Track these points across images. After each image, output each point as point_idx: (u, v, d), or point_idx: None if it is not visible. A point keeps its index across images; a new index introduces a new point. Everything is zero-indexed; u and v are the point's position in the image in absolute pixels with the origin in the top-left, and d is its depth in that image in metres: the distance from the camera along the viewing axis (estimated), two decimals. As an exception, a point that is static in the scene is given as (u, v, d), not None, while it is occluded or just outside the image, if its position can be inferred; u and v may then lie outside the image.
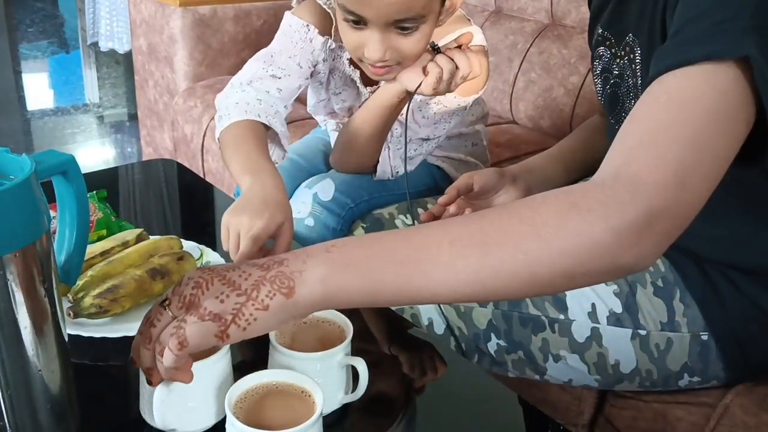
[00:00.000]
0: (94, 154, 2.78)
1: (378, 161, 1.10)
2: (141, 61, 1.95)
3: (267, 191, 0.80)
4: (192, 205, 1.14)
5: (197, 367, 0.58)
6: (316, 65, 1.06)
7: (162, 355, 0.54)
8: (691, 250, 0.86)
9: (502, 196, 0.96)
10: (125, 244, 0.84)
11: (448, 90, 0.94)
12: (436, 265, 0.55)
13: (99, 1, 3.06)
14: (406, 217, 1.05)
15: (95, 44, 3.16)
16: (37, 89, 3.66)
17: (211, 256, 0.88)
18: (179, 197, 1.16)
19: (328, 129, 1.22)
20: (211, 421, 0.64)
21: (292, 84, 1.03)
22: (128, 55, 2.93)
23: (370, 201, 1.10)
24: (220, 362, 0.63)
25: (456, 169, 1.23)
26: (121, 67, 3.61)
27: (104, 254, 0.82)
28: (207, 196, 1.15)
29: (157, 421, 0.61)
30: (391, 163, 1.10)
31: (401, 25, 0.89)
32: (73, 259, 0.65)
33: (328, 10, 1.03)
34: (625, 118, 0.69)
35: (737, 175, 0.64)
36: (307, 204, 1.09)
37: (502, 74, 1.70)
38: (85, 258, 0.68)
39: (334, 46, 1.05)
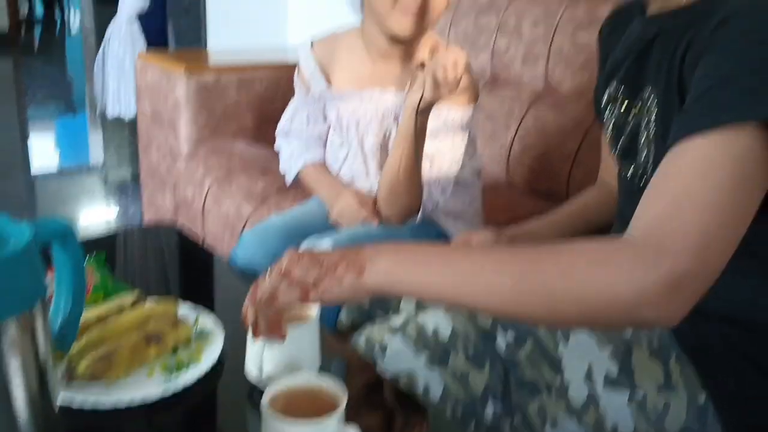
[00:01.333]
0: (97, 215, 2.80)
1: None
2: (145, 125, 1.99)
3: (352, 201, 1.21)
4: (190, 269, 1.14)
5: (290, 328, 0.74)
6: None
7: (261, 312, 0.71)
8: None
9: None
10: (121, 309, 0.84)
11: (449, 87, 1.03)
12: (478, 281, 0.66)
13: (108, 70, 3.15)
14: None
15: (103, 111, 3.24)
16: (43, 151, 3.72)
17: (207, 321, 0.88)
18: (177, 261, 1.17)
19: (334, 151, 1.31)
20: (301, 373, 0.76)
21: (314, 128, 1.33)
22: (133, 119, 2.99)
23: None
24: (309, 328, 0.78)
25: (453, 224, 1.25)
26: (125, 129, 3.67)
27: (100, 319, 0.82)
28: (205, 261, 1.15)
29: (255, 372, 0.77)
30: (432, 195, 1.19)
31: None
32: (68, 325, 0.65)
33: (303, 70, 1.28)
34: (642, 170, 0.71)
35: (747, 231, 0.65)
36: None
37: (498, 139, 1.73)
38: (81, 323, 0.69)
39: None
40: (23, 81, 5.19)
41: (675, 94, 0.76)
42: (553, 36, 1.66)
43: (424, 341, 0.82)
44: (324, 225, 1.24)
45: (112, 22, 3.15)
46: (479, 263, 0.67)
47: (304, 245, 1.14)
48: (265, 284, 0.71)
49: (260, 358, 0.76)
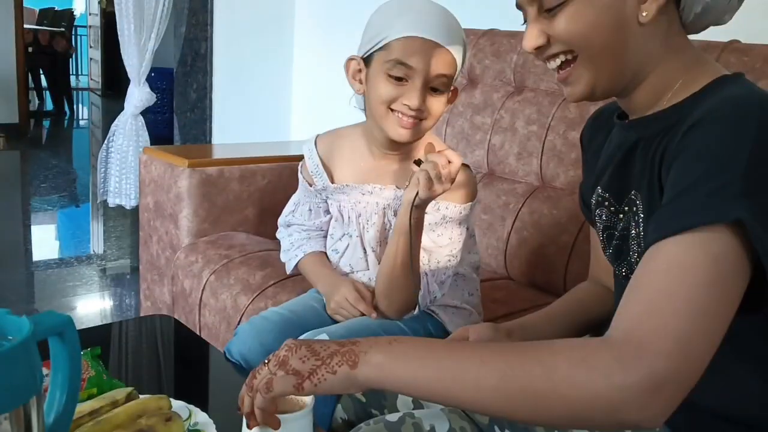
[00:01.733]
0: (94, 306, 2.79)
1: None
2: (147, 217, 2.02)
3: (349, 294, 1.22)
4: (185, 364, 1.14)
5: (284, 418, 0.76)
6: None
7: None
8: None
9: None
10: (114, 404, 0.84)
11: (443, 185, 1.06)
12: (465, 378, 0.67)
13: (111, 162, 3.23)
14: None
15: (104, 201, 3.30)
16: (44, 241, 3.74)
17: (200, 417, 0.87)
18: (173, 355, 1.17)
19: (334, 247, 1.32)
20: None
21: (315, 220, 1.36)
22: (135, 210, 3.03)
23: None
24: (304, 419, 0.79)
25: (451, 318, 1.25)
26: (128, 220, 3.71)
27: (93, 414, 0.81)
28: (201, 354, 1.15)
29: None
30: (429, 288, 1.19)
31: (436, 85, 1.12)
32: (61, 420, 0.65)
33: (307, 165, 1.31)
34: (634, 268, 0.72)
35: (735, 326, 0.66)
36: None
37: (495, 232, 1.75)
38: (74, 418, 0.68)
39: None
40: (29, 172, 5.28)
41: (657, 196, 0.78)
42: (546, 133, 1.72)
43: None
44: (321, 318, 1.24)
45: (118, 118, 3.25)
46: (467, 361, 0.68)
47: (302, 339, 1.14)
48: (262, 372, 0.73)
49: None
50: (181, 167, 1.85)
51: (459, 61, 1.13)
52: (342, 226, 1.28)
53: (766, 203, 0.66)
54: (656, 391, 0.61)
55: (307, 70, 2.84)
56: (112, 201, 3.25)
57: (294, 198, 1.40)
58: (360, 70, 1.18)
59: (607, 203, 0.90)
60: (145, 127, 3.19)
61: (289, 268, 1.39)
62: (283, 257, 1.40)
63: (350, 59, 1.20)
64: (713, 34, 1.49)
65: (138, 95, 3.12)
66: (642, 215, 0.83)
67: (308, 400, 0.81)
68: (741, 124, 0.69)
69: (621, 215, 0.88)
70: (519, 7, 0.86)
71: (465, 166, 1.19)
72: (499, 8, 2.06)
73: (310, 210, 1.34)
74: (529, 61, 1.80)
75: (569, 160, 1.68)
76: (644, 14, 0.77)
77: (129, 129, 3.16)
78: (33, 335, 0.59)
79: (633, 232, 0.85)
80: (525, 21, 0.86)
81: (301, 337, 1.14)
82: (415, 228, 1.12)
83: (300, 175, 1.36)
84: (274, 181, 1.95)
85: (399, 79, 1.11)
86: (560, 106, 1.71)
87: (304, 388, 0.71)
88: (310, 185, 1.32)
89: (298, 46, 2.86)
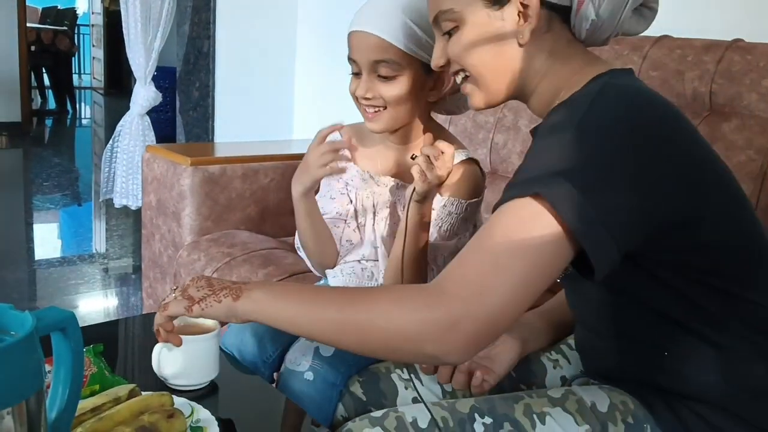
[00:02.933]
0: (97, 304, 2.79)
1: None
2: (149, 215, 2.02)
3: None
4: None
5: (188, 339, 0.95)
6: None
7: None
8: (657, 384, 0.87)
9: (499, 346, 1.00)
10: (117, 400, 0.84)
11: (437, 174, 1.08)
12: (316, 314, 0.80)
13: (117, 163, 3.22)
14: (403, 371, 1.05)
15: (109, 200, 3.29)
16: (46, 240, 3.74)
17: (202, 414, 0.87)
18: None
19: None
20: (193, 382, 0.99)
21: (336, 206, 1.30)
22: (138, 210, 3.03)
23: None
24: (206, 342, 0.98)
25: None
26: (130, 219, 3.71)
27: (95, 410, 0.81)
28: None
29: (156, 371, 0.98)
30: None
31: (382, 72, 1.13)
32: (63, 416, 0.65)
33: None
34: None
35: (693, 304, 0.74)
36: (308, 357, 1.09)
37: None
38: (76, 414, 0.68)
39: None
40: (31, 170, 5.29)
41: None
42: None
43: (402, 431, 0.83)
44: None
45: (123, 117, 3.24)
46: (321, 300, 0.81)
47: (301, 340, 1.13)
48: (168, 297, 0.89)
49: (158, 360, 0.97)
50: (183, 165, 1.85)
51: (397, 43, 1.11)
52: (356, 217, 1.27)
53: (598, 198, 0.73)
54: (452, 328, 0.71)
55: (309, 68, 2.84)
56: (118, 202, 3.24)
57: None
58: None
59: None
60: (152, 127, 3.18)
61: (305, 259, 1.33)
62: (303, 256, 1.34)
63: None
64: (717, 33, 1.49)
65: (144, 95, 3.11)
66: None
67: (214, 326, 0.99)
68: (573, 112, 0.78)
69: None
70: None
71: (472, 161, 1.19)
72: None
73: (332, 198, 1.29)
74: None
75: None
76: (520, 38, 0.87)
77: (135, 129, 3.15)
78: (36, 331, 0.59)
79: None
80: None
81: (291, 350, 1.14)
82: (419, 225, 1.12)
83: None
84: (277, 179, 1.95)
85: (356, 74, 1.17)
86: (563, 104, 1.71)
87: (193, 310, 0.85)
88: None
89: (301, 44, 2.86)
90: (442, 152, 1.07)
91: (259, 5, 2.77)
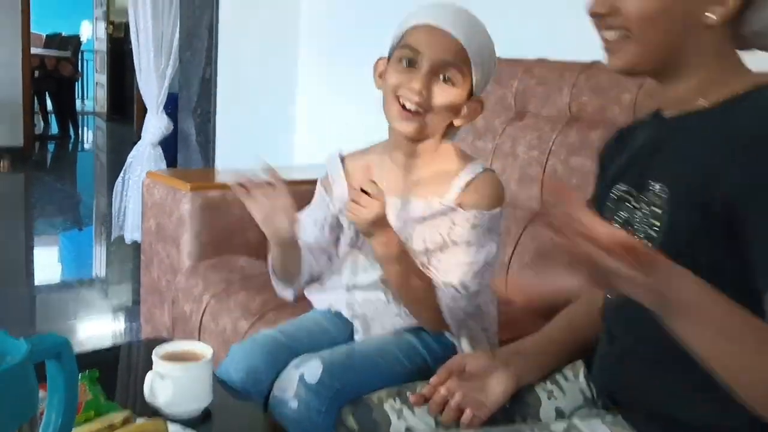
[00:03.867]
0: (95, 329, 2.78)
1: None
2: (148, 241, 2.02)
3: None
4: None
5: (180, 367, 0.98)
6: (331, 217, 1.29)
7: None
8: (667, 413, 0.85)
9: (494, 378, 0.98)
10: (111, 427, 0.83)
11: (364, 220, 1.09)
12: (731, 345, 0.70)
13: (129, 195, 3.19)
14: (395, 401, 1.05)
15: (121, 237, 3.24)
16: (47, 264, 3.74)
17: (198, 441, 0.86)
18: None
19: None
20: (186, 409, 0.99)
21: (319, 235, 1.30)
22: (139, 237, 3.02)
23: (359, 383, 1.09)
24: (199, 369, 1.00)
25: (469, 342, 1.24)
26: (130, 246, 3.72)
27: (89, 437, 0.81)
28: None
29: (149, 399, 0.98)
30: (453, 303, 1.18)
31: (445, 74, 1.13)
32: (56, 444, 0.64)
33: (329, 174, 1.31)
34: None
35: None
36: (293, 385, 1.09)
37: (521, 258, 1.74)
38: (69, 442, 0.68)
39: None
40: (33, 195, 5.31)
41: (686, 195, 0.81)
42: (547, 159, 1.72)
43: None
44: (315, 341, 1.23)
45: (135, 147, 3.20)
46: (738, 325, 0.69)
47: (293, 364, 1.13)
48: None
49: (150, 388, 0.97)
50: (183, 191, 1.86)
51: (471, 54, 1.13)
52: (353, 241, 1.26)
53: None
54: None
55: (311, 94, 2.86)
56: (129, 237, 3.17)
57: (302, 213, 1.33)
58: (384, 71, 1.20)
59: (627, 197, 0.91)
60: (163, 157, 3.13)
61: (278, 288, 1.32)
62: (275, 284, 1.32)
63: (379, 59, 1.23)
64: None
65: (156, 123, 3.05)
66: (657, 206, 0.84)
67: (208, 353, 1.00)
68: None
69: (640, 205, 0.89)
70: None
71: (489, 171, 1.22)
72: (500, 36, 2.09)
73: (315, 224, 1.28)
74: (530, 87, 1.82)
75: (571, 185, 1.68)
76: (709, 18, 0.80)
77: (147, 159, 3.09)
78: (30, 357, 0.59)
79: (650, 224, 0.86)
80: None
81: (293, 363, 1.13)
82: (385, 259, 1.14)
83: (318, 187, 1.33)
84: (276, 204, 1.95)
85: (408, 64, 1.13)
86: (561, 131, 1.71)
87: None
88: (327, 194, 1.30)
89: (302, 70, 2.88)
90: (370, 195, 1.07)
91: (262, 32, 2.80)
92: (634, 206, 0.90)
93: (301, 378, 1.09)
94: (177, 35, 2.93)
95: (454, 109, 1.16)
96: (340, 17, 2.70)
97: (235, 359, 1.18)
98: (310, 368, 1.10)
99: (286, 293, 1.32)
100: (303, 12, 2.84)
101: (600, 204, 0.98)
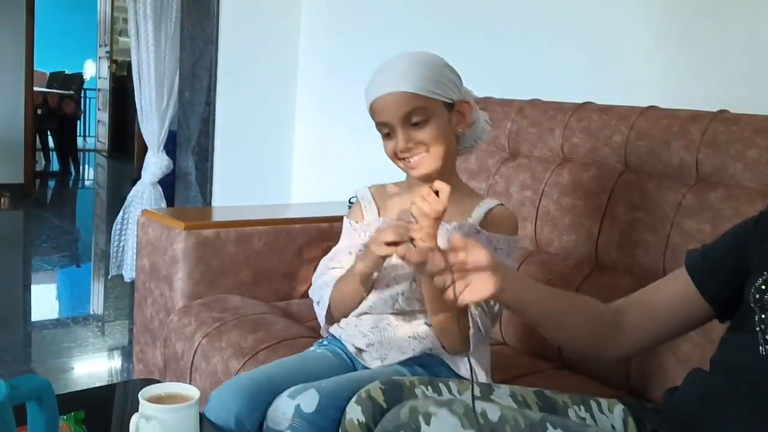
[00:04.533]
0: (89, 368, 2.76)
1: None
2: (143, 279, 2.02)
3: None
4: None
5: (166, 409, 0.96)
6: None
7: None
8: None
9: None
10: (94, 471, 0.82)
11: (436, 212, 1.11)
12: None
13: (128, 234, 3.18)
14: (427, 389, 1.04)
15: (120, 276, 3.24)
16: (43, 301, 3.73)
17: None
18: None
19: None
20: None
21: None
22: (136, 274, 3.01)
23: None
24: (185, 411, 0.99)
25: (472, 366, 1.25)
26: (129, 284, 3.71)
27: (70, 481, 0.80)
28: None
29: None
30: (480, 324, 1.22)
31: (413, 121, 1.22)
32: (33, 488, 0.64)
33: (360, 201, 1.39)
34: None
35: None
36: (288, 416, 1.08)
37: (491, 297, 1.75)
38: (47, 486, 0.67)
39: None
40: (31, 232, 5.31)
41: None
42: (540, 199, 1.73)
43: (470, 419, 0.82)
44: (296, 381, 1.22)
45: (135, 187, 3.21)
46: None
47: (288, 393, 1.12)
48: None
49: (135, 431, 0.95)
50: (177, 230, 1.86)
51: (419, 90, 1.21)
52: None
53: None
54: None
55: (308, 133, 2.89)
56: (128, 275, 3.16)
57: (334, 249, 1.39)
58: None
59: None
60: (163, 196, 3.13)
61: (322, 312, 1.34)
62: (320, 310, 1.36)
63: None
64: (702, 104, 1.53)
65: (156, 162, 3.04)
66: None
67: (195, 394, 0.98)
68: None
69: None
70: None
71: (503, 205, 1.33)
72: (493, 77, 2.12)
73: (350, 253, 1.34)
74: (523, 128, 1.83)
75: (563, 225, 1.68)
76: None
77: (147, 199, 3.09)
78: (8, 400, 0.59)
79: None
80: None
81: (288, 392, 1.11)
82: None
83: (346, 220, 1.39)
84: (270, 243, 1.96)
85: (388, 134, 1.26)
86: (554, 172, 1.73)
87: None
88: (357, 222, 1.36)
89: (300, 109, 2.91)
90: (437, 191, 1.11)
91: (260, 70, 2.84)
92: None
93: (297, 408, 1.08)
94: (178, 74, 2.97)
95: (445, 130, 1.25)
96: (338, 57, 2.74)
97: (215, 406, 1.17)
98: (306, 398, 1.09)
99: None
100: (301, 52, 2.88)
101: (741, 270, 0.98)
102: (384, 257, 1.18)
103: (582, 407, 1.05)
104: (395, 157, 1.26)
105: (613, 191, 1.59)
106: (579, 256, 1.65)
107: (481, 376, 1.26)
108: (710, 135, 1.45)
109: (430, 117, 1.23)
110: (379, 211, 1.37)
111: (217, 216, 2.20)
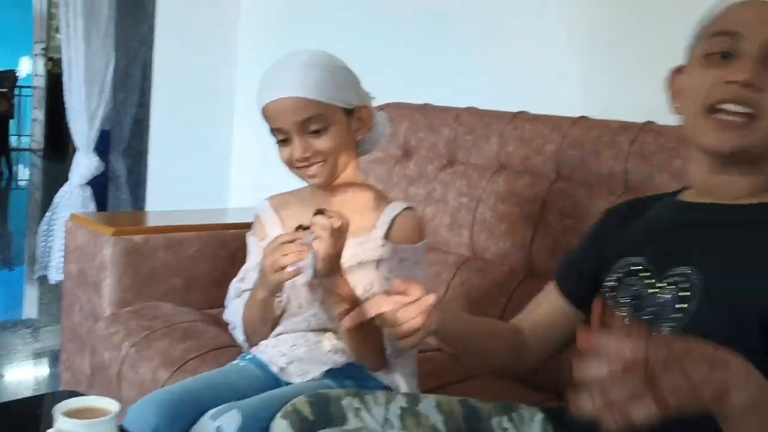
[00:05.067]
0: (19, 375, 2.67)
1: None
2: (70, 286, 1.96)
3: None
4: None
5: (81, 424, 0.89)
6: None
7: None
8: None
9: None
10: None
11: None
12: None
13: (54, 235, 3.08)
14: (354, 399, 1.02)
15: (44, 277, 3.14)
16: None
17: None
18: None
19: None
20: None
21: None
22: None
23: None
24: (102, 426, 0.92)
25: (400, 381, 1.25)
26: (58, 289, 3.59)
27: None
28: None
29: None
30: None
31: (310, 129, 1.15)
32: None
33: (261, 215, 1.32)
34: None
35: None
36: None
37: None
38: None
39: None
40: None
41: (722, 282, 0.82)
42: (477, 206, 1.74)
43: None
44: (220, 396, 1.18)
45: (62, 188, 3.11)
46: None
47: (209, 415, 1.09)
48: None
49: None
50: (105, 235, 1.81)
51: (317, 96, 1.15)
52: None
53: None
54: None
55: (247, 136, 2.84)
56: (54, 277, 3.09)
57: (243, 268, 1.33)
58: None
59: (642, 273, 0.92)
60: (93, 198, 3.05)
61: (239, 336, 1.28)
62: (237, 334, 1.29)
63: None
64: (629, 115, 1.56)
65: (85, 163, 2.98)
66: (693, 293, 0.85)
67: (113, 408, 0.95)
68: None
69: (658, 287, 0.90)
70: (729, 34, 0.81)
71: (411, 208, 1.26)
72: (432, 84, 2.13)
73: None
74: (460, 135, 1.84)
75: (499, 232, 1.70)
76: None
77: (75, 200, 3.02)
78: None
79: (671, 306, 0.87)
80: (718, 53, 0.83)
81: (210, 414, 1.09)
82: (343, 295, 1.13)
83: (249, 240, 1.33)
84: (203, 249, 1.92)
85: (283, 140, 1.18)
86: (490, 179, 1.74)
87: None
88: (262, 240, 1.28)
89: (238, 113, 2.87)
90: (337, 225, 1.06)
91: (197, 72, 2.78)
92: (648, 283, 0.91)
93: (219, 430, 1.05)
94: (110, 74, 2.89)
95: (345, 137, 1.20)
96: (278, 58, 2.70)
97: (133, 421, 1.13)
98: (227, 419, 1.06)
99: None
100: (240, 54, 2.84)
101: (599, 269, 1.00)
102: (286, 279, 1.11)
103: (505, 417, 1.05)
104: (291, 165, 1.20)
105: (546, 199, 1.61)
106: (513, 262, 1.67)
107: (403, 388, 1.24)
108: (638, 145, 1.48)
109: (329, 125, 1.17)
110: (282, 223, 1.29)
111: (148, 221, 2.14)
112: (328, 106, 1.16)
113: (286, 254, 1.07)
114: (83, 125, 2.97)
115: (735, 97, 0.80)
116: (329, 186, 1.23)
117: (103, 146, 2.98)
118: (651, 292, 0.91)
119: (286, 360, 1.24)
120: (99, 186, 3.06)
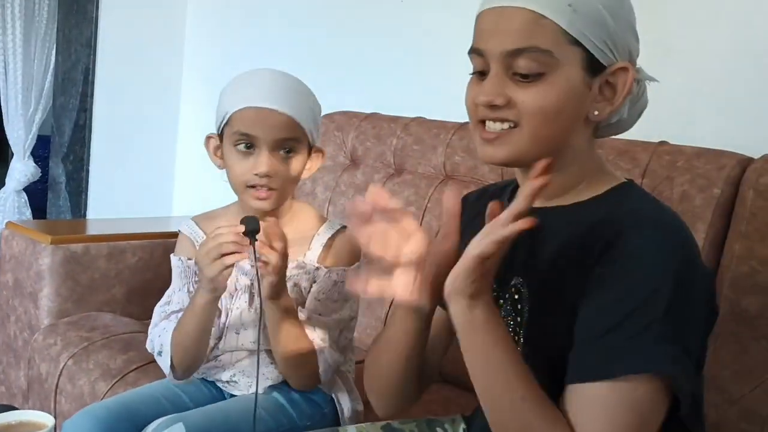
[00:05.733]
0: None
1: None
2: (5, 296, 1.89)
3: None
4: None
5: None
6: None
7: None
8: None
9: None
10: None
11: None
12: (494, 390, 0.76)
13: None
14: None
15: None
16: None
17: None
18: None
19: None
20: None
21: None
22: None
23: None
24: None
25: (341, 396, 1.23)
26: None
27: None
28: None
29: None
30: (329, 359, 1.16)
31: (282, 148, 1.12)
32: None
33: (188, 235, 1.25)
34: None
35: None
36: None
37: (374, 311, 1.75)
38: None
39: None
40: None
41: (553, 288, 0.81)
42: (423, 215, 1.75)
43: None
44: (160, 409, 1.16)
45: None
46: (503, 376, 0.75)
47: (152, 428, 1.06)
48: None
49: None
50: (43, 244, 1.75)
51: (302, 122, 1.13)
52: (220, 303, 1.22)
53: (684, 344, 0.71)
54: None
55: (191, 144, 2.80)
56: None
57: (167, 292, 1.26)
58: (218, 147, 1.19)
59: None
60: (28, 204, 3.00)
61: (165, 362, 1.18)
62: (163, 361, 1.19)
63: (209, 137, 1.21)
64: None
65: (22, 169, 2.96)
66: (526, 303, 0.85)
67: (49, 423, 0.93)
68: (662, 259, 0.73)
69: (501, 302, 0.88)
70: (479, 53, 0.80)
71: (345, 228, 1.21)
72: (380, 93, 2.13)
73: (189, 291, 1.21)
74: (407, 145, 1.85)
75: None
76: (596, 113, 0.79)
77: (10, 206, 2.97)
78: None
79: (512, 322, 0.86)
80: (478, 72, 0.81)
81: (152, 427, 1.06)
82: (287, 316, 1.11)
83: (175, 261, 1.25)
84: (145, 258, 1.88)
85: (248, 146, 1.12)
86: (437, 188, 1.75)
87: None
88: (190, 259, 1.22)
89: (183, 120, 2.82)
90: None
91: (141, 77, 2.72)
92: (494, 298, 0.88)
93: None
94: (49, 79, 2.82)
95: (298, 173, 1.18)
96: (224, 67, 2.67)
97: (77, 426, 1.10)
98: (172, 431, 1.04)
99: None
100: (186, 59, 2.80)
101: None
102: (227, 274, 1.06)
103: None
104: (243, 180, 1.13)
105: (491, 209, 1.63)
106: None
107: (345, 401, 1.23)
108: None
109: (298, 153, 1.15)
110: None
111: (88, 229, 2.09)
112: (305, 135, 1.15)
113: (226, 243, 1.02)
114: (20, 131, 2.90)
115: (486, 115, 0.82)
116: (266, 215, 1.16)
117: (42, 152, 2.90)
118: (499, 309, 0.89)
119: (229, 374, 1.23)
120: (38, 193, 2.98)
